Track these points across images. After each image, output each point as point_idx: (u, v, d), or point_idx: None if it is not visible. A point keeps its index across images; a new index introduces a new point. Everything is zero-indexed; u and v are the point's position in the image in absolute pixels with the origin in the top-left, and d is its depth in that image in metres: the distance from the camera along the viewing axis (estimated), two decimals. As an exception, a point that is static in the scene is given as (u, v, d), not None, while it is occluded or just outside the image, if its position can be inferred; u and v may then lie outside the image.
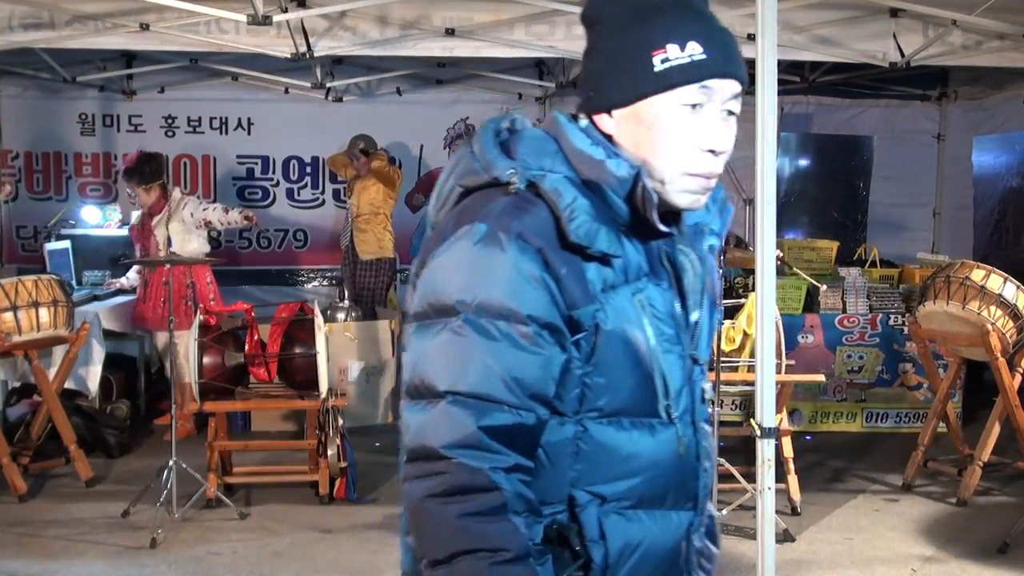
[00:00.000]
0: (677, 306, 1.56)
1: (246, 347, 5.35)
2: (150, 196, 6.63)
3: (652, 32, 1.48)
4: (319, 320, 5.26)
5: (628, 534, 1.51)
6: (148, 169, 6.57)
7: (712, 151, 1.50)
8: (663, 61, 1.46)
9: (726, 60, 1.49)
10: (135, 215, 7.21)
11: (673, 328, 1.54)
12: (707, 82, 1.47)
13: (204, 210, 6.54)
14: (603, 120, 1.54)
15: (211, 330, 5.27)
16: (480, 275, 1.44)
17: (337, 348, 6.47)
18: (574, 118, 1.57)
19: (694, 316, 1.60)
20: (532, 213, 1.46)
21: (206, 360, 5.17)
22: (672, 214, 1.56)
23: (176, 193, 6.73)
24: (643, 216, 1.49)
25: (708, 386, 1.65)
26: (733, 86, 1.50)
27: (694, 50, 1.46)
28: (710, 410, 1.68)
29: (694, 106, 1.48)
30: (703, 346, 1.63)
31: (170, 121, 8.72)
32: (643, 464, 1.52)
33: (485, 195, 1.51)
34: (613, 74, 1.51)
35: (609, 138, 1.53)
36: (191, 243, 6.55)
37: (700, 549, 1.63)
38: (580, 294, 1.45)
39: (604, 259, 1.47)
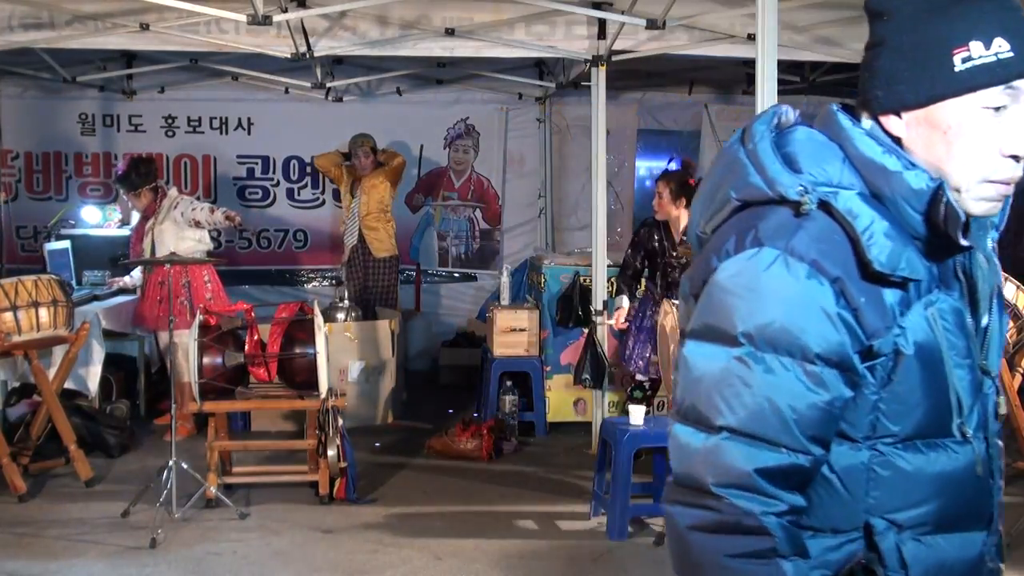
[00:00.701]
0: (968, 316, 1.44)
1: (246, 347, 5.34)
2: (141, 201, 6.72)
3: (953, 27, 1.35)
4: (319, 320, 5.26)
5: (928, 561, 1.43)
6: (135, 175, 6.62)
7: (1015, 156, 1.36)
8: (965, 60, 1.33)
9: None
10: (135, 216, 7.24)
11: (964, 340, 1.42)
12: (1015, 82, 1.34)
13: (194, 210, 6.56)
14: (890, 121, 1.41)
15: (211, 330, 5.27)
16: (768, 306, 1.35)
17: (337, 348, 6.47)
18: (850, 112, 1.45)
19: (983, 321, 1.49)
20: (826, 238, 1.36)
21: (206, 360, 5.17)
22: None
23: (172, 192, 6.75)
24: (942, 231, 1.36)
25: (1002, 399, 1.53)
26: None
27: (1000, 47, 1.33)
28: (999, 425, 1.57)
29: (997, 108, 1.35)
30: (994, 355, 1.50)
31: (170, 121, 8.73)
32: (941, 487, 1.43)
33: (769, 212, 1.40)
34: (906, 73, 1.38)
35: (897, 141, 1.41)
36: (185, 242, 6.56)
37: (991, 568, 1.55)
38: (880, 322, 1.36)
39: (904, 282, 1.37)
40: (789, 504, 1.36)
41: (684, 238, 5.82)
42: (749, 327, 1.35)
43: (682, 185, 5.79)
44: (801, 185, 1.38)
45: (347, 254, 7.88)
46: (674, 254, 5.81)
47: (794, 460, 1.36)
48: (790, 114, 1.47)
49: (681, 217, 5.83)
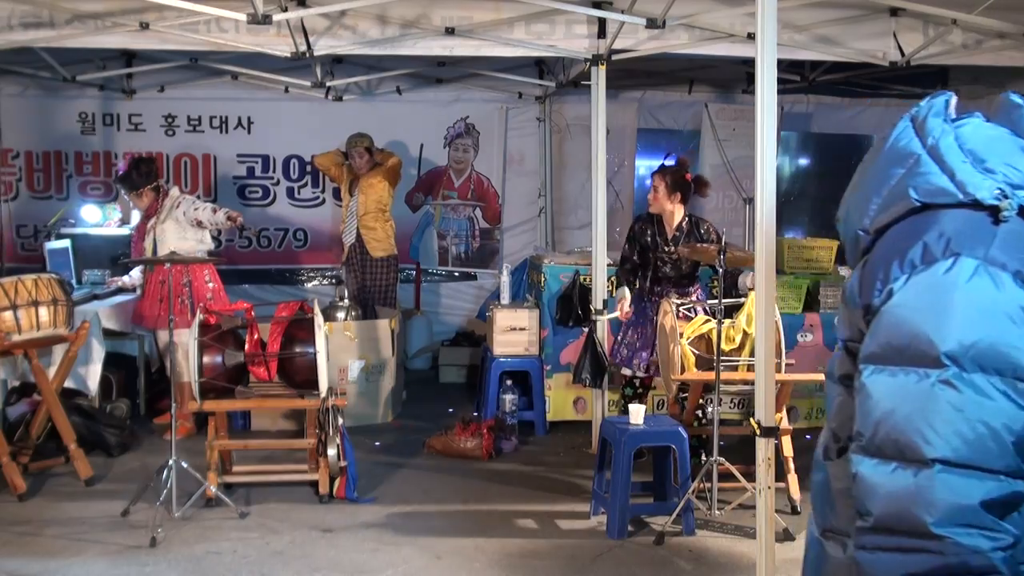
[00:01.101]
0: None
1: (246, 346, 5.35)
2: (142, 201, 6.73)
3: None
4: (319, 319, 5.26)
5: None
6: (136, 175, 6.64)
7: None
8: None
9: None
10: (136, 215, 7.25)
11: None
12: None
13: (196, 209, 6.57)
14: None
15: (211, 329, 5.27)
16: (973, 322, 1.24)
17: (337, 347, 6.47)
18: None
19: None
20: None
21: (206, 359, 5.17)
22: None
23: (174, 192, 6.76)
24: None
25: None
26: None
27: None
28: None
29: None
30: None
31: (170, 120, 8.74)
32: None
33: (955, 216, 1.30)
34: None
35: None
36: (187, 242, 6.56)
37: None
38: None
39: None
40: (1013, 536, 1.25)
41: (676, 234, 5.84)
42: (952, 346, 1.24)
43: (678, 180, 5.80)
44: (998, 188, 1.28)
45: (345, 253, 7.89)
46: (666, 249, 5.83)
47: (1014, 487, 1.25)
48: (952, 100, 1.38)
49: (675, 212, 5.85)
